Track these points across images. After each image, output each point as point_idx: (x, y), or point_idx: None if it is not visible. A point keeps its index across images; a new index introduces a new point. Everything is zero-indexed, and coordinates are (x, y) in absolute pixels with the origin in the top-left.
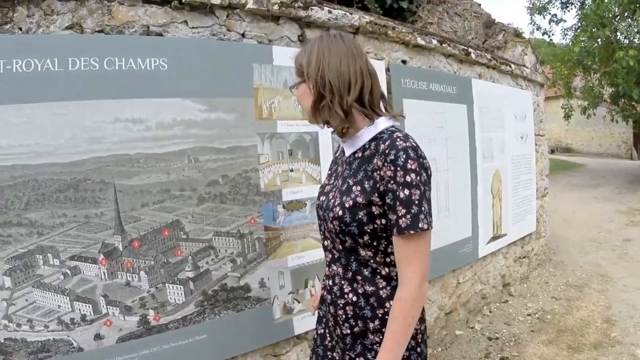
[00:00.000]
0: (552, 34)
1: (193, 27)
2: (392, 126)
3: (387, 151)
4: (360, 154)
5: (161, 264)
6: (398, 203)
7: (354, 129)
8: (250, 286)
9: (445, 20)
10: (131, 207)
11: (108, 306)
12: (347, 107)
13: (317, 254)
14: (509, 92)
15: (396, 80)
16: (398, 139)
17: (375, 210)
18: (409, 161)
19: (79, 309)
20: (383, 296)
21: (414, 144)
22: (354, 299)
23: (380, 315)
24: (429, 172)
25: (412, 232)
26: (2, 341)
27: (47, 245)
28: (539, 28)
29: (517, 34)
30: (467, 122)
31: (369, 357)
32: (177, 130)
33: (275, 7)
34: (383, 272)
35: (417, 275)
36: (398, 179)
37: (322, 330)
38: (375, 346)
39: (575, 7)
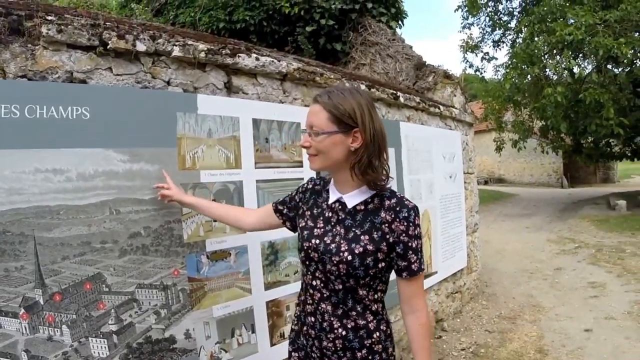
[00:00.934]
0: (484, 71)
1: (117, 74)
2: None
3: (397, 208)
4: (363, 207)
5: (83, 317)
6: (410, 252)
7: (357, 184)
8: (175, 338)
9: (377, 62)
10: (52, 260)
11: None
12: (384, 160)
13: (243, 303)
14: (438, 133)
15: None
16: (404, 199)
17: (380, 256)
18: (416, 219)
19: None
20: (371, 328)
21: (415, 203)
22: (344, 333)
23: (367, 345)
24: None
25: (420, 273)
26: None
27: None
28: (471, 65)
29: (447, 76)
30: (395, 165)
31: None
32: (98, 182)
33: (202, 55)
34: (372, 308)
35: (426, 303)
36: (410, 232)
37: None
38: None
39: (506, 45)
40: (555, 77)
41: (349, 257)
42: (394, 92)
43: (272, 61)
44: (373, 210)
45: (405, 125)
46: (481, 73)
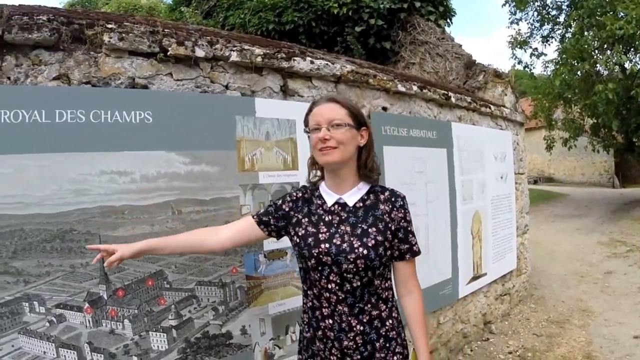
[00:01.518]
0: (534, 67)
1: (177, 80)
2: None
3: (392, 199)
4: (361, 204)
5: (145, 312)
6: (410, 235)
7: (353, 182)
8: (232, 333)
9: (427, 61)
10: None
11: (93, 353)
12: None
13: (298, 301)
14: (489, 133)
15: (377, 127)
16: (395, 190)
17: (387, 244)
18: (407, 205)
19: (64, 356)
20: (384, 316)
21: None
22: (362, 328)
23: (383, 333)
24: None
25: (419, 253)
26: None
27: (34, 293)
28: (520, 62)
29: (497, 75)
30: (447, 165)
31: None
32: (161, 183)
33: (259, 59)
34: (383, 296)
35: (419, 284)
36: (407, 218)
37: None
38: None
39: (555, 40)
40: (606, 73)
41: (365, 252)
42: (446, 92)
43: (327, 64)
44: (371, 205)
45: (457, 125)
46: (530, 69)
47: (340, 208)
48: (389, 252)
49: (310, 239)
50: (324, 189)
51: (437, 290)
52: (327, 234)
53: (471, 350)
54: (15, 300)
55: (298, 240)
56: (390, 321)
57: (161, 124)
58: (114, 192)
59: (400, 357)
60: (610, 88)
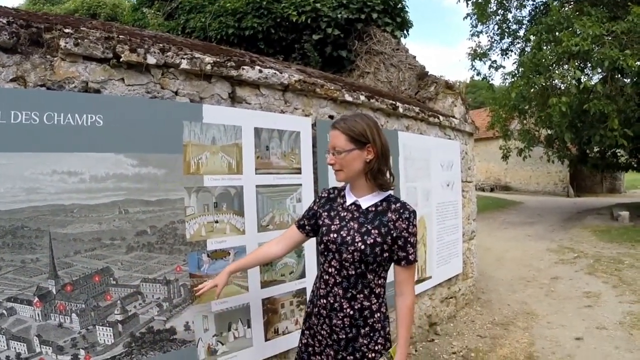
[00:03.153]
0: (492, 79)
1: (129, 85)
2: (391, 194)
3: (401, 210)
4: (373, 209)
5: (92, 307)
6: (409, 245)
7: (370, 189)
8: (176, 329)
9: (381, 71)
10: (65, 253)
11: (42, 345)
12: (389, 166)
13: (240, 300)
14: (436, 142)
15: (322, 135)
16: (406, 204)
17: (385, 247)
18: (414, 220)
19: (14, 348)
20: (373, 309)
21: (415, 210)
22: (351, 312)
23: (370, 323)
24: None
25: (414, 263)
26: None
27: None
28: (479, 73)
29: (448, 86)
30: None
31: (357, 355)
32: (109, 183)
33: (208, 67)
34: (376, 291)
35: (413, 290)
36: (410, 230)
37: (305, 340)
38: (362, 347)
39: (514, 53)
40: (562, 87)
41: (362, 247)
42: (393, 102)
43: (275, 73)
44: (382, 212)
45: (404, 134)
46: (489, 81)
47: (355, 208)
48: (386, 254)
49: (324, 228)
50: (347, 190)
51: None
52: (338, 226)
53: (415, 351)
54: None
55: (319, 229)
56: (378, 315)
57: (111, 127)
58: (64, 192)
59: (381, 347)
60: (563, 102)
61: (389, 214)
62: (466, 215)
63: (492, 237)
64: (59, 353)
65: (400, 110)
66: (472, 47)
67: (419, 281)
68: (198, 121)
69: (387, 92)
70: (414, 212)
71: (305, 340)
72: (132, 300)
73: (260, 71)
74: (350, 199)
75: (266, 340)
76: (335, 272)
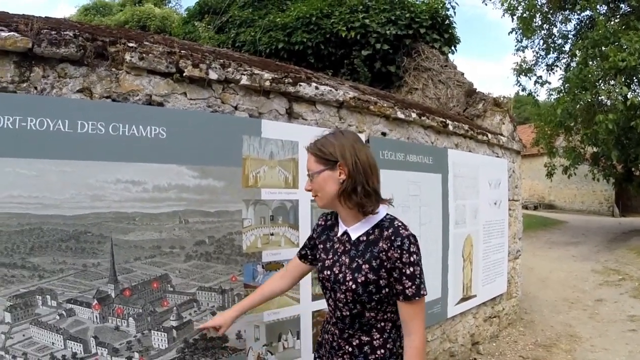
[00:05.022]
0: (537, 95)
1: (191, 99)
2: (387, 214)
3: (392, 237)
4: (365, 238)
5: (148, 312)
6: (405, 278)
7: (356, 216)
8: (227, 337)
9: (429, 87)
10: (125, 259)
11: (97, 347)
12: (372, 188)
13: (292, 311)
14: (485, 160)
15: (375, 152)
16: (400, 228)
17: (382, 282)
18: (411, 246)
19: (71, 347)
20: (376, 345)
21: (411, 232)
22: (349, 349)
23: (372, 359)
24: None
25: (417, 298)
26: None
27: (47, 287)
28: (524, 89)
29: (497, 104)
30: (442, 190)
31: None
32: (171, 194)
33: (267, 83)
34: (378, 326)
35: (422, 327)
36: (404, 260)
37: None
38: None
39: (560, 69)
40: (609, 103)
41: (353, 286)
42: (444, 120)
43: (330, 90)
44: (373, 241)
45: (453, 152)
46: (534, 97)
47: (346, 238)
48: (385, 291)
49: (320, 264)
50: (339, 218)
51: (427, 309)
52: (331, 261)
53: None
54: (30, 293)
55: (317, 264)
56: (382, 351)
57: (174, 140)
58: (127, 200)
59: None
60: (610, 119)
61: (381, 243)
62: (512, 234)
63: (536, 256)
64: (114, 355)
65: (450, 127)
66: (517, 62)
67: (464, 299)
68: (257, 136)
69: (437, 109)
70: (408, 236)
71: None
72: (187, 307)
73: (317, 88)
74: (341, 229)
75: (314, 351)
76: (332, 310)
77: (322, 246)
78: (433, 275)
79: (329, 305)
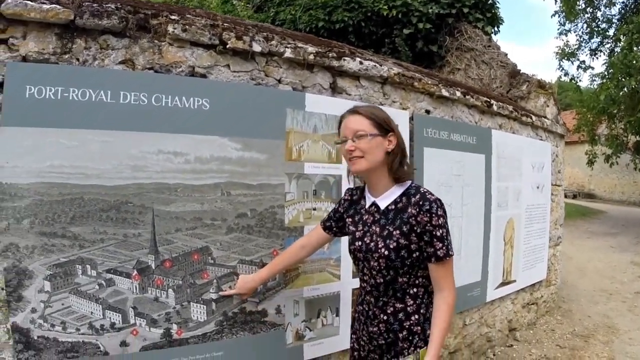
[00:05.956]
0: (580, 80)
1: (234, 71)
2: (412, 183)
3: (420, 203)
4: (393, 207)
5: (188, 284)
6: (435, 240)
7: (387, 185)
8: (267, 311)
9: (472, 67)
10: (166, 230)
11: (136, 317)
12: (406, 160)
13: (332, 287)
14: (528, 143)
15: (419, 129)
16: (427, 194)
17: (412, 247)
18: (438, 210)
19: (110, 317)
20: (410, 311)
21: (437, 197)
22: (385, 318)
23: (407, 326)
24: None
25: (447, 259)
26: (36, 338)
27: (87, 257)
28: (566, 73)
29: (541, 85)
30: (485, 171)
31: (400, 358)
32: (213, 165)
33: (311, 57)
34: (411, 292)
35: (453, 285)
36: (433, 222)
37: (352, 344)
38: (404, 350)
39: (603, 54)
40: None
41: (386, 252)
42: (488, 99)
43: (375, 65)
44: (402, 208)
45: (497, 132)
46: (576, 82)
47: (375, 209)
48: (416, 255)
49: (350, 236)
50: (366, 191)
51: (466, 292)
52: (362, 232)
53: (494, 355)
54: (70, 262)
55: (347, 232)
56: (417, 316)
57: (217, 111)
58: (169, 171)
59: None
60: None
61: (409, 209)
62: (554, 220)
63: (574, 245)
64: (152, 326)
65: (495, 108)
66: (559, 46)
67: (504, 284)
68: (301, 109)
69: (480, 89)
70: (436, 200)
71: (352, 345)
72: (227, 280)
73: (361, 62)
74: (369, 201)
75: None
76: (367, 279)
77: (350, 219)
78: (473, 257)
79: (363, 275)
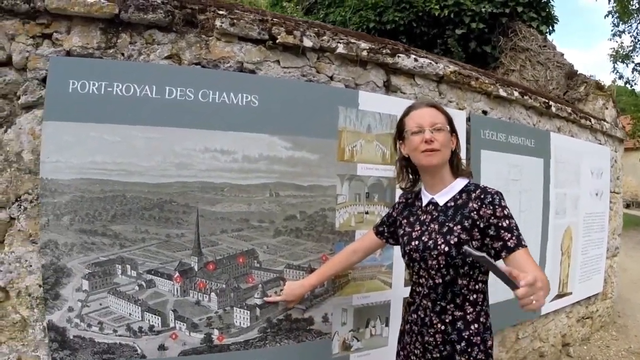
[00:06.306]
0: (635, 83)
1: (285, 67)
2: (470, 180)
3: (481, 196)
4: (452, 203)
5: (232, 288)
6: (502, 231)
7: (446, 182)
8: (313, 319)
9: (527, 68)
10: (211, 231)
11: (176, 320)
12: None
13: (383, 296)
14: (587, 147)
15: (476, 131)
16: (487, 188)
17: (474, 243)
18: (501, 201)
19: (149, 320)
20: (469, 320)
21: (498, 190)
22: (442, 327)
23: (466, 336)
24: None
25: (520, 248)
26: (72, 338)
27: (127, 257)
28: (621, 77)
29: (599, 87)
30: (543, 176)
31: None
32: (261, 165)
33: (364, 53)
34: (471, 298)
35: (541, 271)
36: (498, 214)
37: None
38: None
39: None
40: None
41: (446, 249)
42: (546, 101)
43: (430, 63)
44: (462, 204)
45: (555, 135)
46: (631, 85)
47: (433, 207)
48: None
49: (406, 237)
50: (422, 190)
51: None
52: (419, 231)
53: None
54: (110, 262)
55: (400, 240)
56: (476, 325)
57: (266, 108)
58: (215, 169)
59: None
60: None
61: (470, 204)
62: (612, 229)
63: (628, 257)
64: (193, 330)
65: (553, 109)
66: (613, 48)
67: (559, 296)
68: (354, 107)
69: (537, 90)
70: (497, 192)
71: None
72: (273, 285)
73: (416, 60)
74: (426, 199)
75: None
76: (424, 281)
77: (405, 221)
78: None
79: (419, 278)
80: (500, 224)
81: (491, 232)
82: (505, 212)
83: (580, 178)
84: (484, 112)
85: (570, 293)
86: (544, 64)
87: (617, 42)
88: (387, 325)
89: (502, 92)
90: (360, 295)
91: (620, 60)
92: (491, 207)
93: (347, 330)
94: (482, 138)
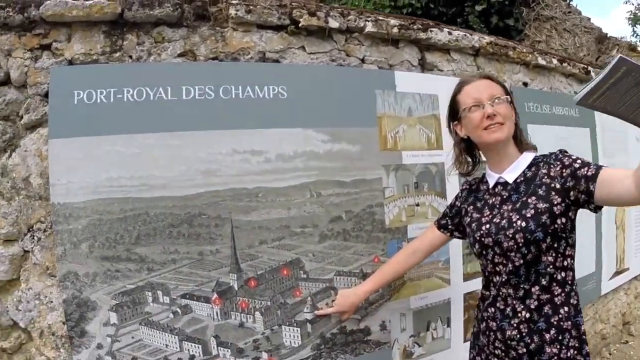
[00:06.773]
0: None
1: (311, 53)
2: (535, 155)
3: (547, 160)
4: (522, 178)
5: (278, 304)
6: (578, 171)
7: (512, 157)
8: (370, 329)
9: (554, 38)
10: (248, 244)
11: (219, 347)
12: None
13: (442, 295)
14: None
15: (519, 104)
16: (550, 152)
17: (555, 209)
18: (566, 153)
19: (188, 349)
20: (557, 303)
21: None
22: (527, 315)
23: (555, 323)
24: None
25: (600, 170)
26: None
27: (157, 282)
28: None
29: (632, 48)
30: (591, 147)
31: None
32: (298, 162)
33: (395, 30)
34: (559, 277)
35: None
36: (566, 163)
37: None
38: (553, 358)
39: None
40: None
41: (523, 224)
42: (585, 66)
43: (465, 35)
44: (532, 177)
45: None
46: None
47: (502, 187)
48: (561, 220)
49: (474, 224)
50: (487, 171)
51: (580, 286)
52: (490, 215)
53: (610, 354)
54: (138, 289)
55: (467, 230)
56: (566, 308)
57: (297, 99)
58: (247, 173)
59: (576, 352)
60: None
61: (540, 172)
62: None
63: None
64: (239, 356)
65: (593, 75)
66: (631, 11)
67: (617, 273)
68: (392, 90)
69: (573, 57)
70: (560, 150)
71: None
72: (324, 297)
73: (450, 33)
74: (492, 180)
75: (465, 341)
76: (501, 267)
77: (471, 207)
78: (587, 245)
79: (495, 265)
80: (574, 166)
81: (569, 184)
82: (574, 157)
83: (627, 145)
84: (524, 84)
85: (628, 269)
86: (571, 30)
87: (633, 4)
88: (448, 325)
89: (541, 61)
90: (419, 297)
91: (638, 22)
92: (559, 162)
93: (408, 336)
94: (526, 112)
